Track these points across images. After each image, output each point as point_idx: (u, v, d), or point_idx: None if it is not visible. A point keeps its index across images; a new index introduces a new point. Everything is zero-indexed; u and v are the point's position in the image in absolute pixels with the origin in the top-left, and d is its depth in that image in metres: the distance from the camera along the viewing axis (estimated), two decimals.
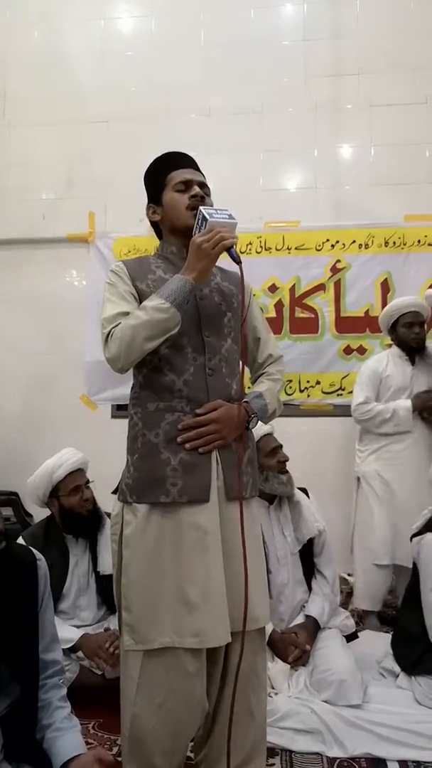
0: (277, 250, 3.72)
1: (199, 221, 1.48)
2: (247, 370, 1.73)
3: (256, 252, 3.69)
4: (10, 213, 3.94)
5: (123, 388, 3.67)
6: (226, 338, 1.58)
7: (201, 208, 1.49)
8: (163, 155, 1.69)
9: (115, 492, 1.61)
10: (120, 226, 3.84)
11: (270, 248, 3.71)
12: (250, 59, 3.79)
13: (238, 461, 1.50)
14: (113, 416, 3.81)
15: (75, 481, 2.41)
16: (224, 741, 1.53)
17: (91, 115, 3.90)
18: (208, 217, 1.45)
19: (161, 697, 1.45)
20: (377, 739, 1.92)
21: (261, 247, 3.70)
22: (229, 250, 1.45)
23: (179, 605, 1.44)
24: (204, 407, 1.51)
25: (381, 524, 2.94)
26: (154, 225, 1.72)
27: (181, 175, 1.61)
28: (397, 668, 2.24)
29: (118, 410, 3.79)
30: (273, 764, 1.83)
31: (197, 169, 1.67)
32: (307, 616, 2.37)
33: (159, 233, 1.72)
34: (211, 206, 1.57)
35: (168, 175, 1.63)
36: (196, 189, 1.59)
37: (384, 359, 3.11)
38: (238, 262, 1.47)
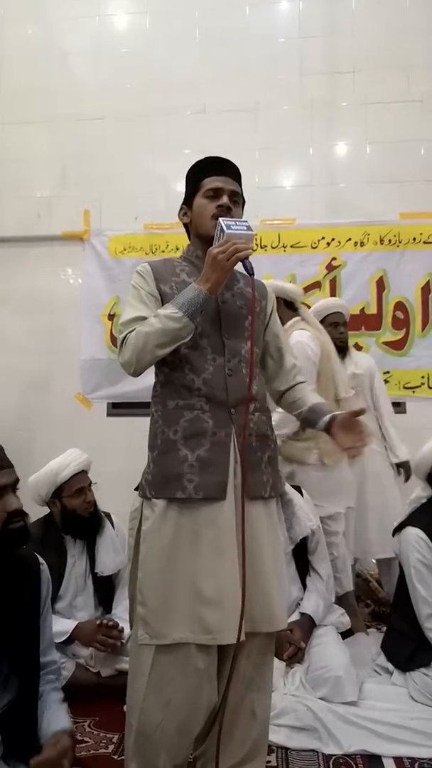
0: (272, 247, 3.72)
1: (218, 232, 1.52)
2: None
3: (252, 250, 3.69)
4: (4, 210, 3.92)
5: (119, 387, 3.67)
6: (246, 341, 1.60)
7: (220, 219, 1.51)
8: (204, 159, 1.68)
9: (137, 488, 1.63)
10: (115, 223, 3.83)
11: (266, 246, 3.71)
12: (245, 56, 3.78)
13: (242, 460, 1.51)
14: (109, 414, 3.80)
15: (79, 483, 2.42)
16: (225, 738, 1.55)
17: (86, 112, 3.88)
18: (225, 228, 1.48)
19: (170, 692, 1.46)
20: (373, 735, 1.93)
21: (256, 244, 3.69)
22: (243, 261, 1.49)
23: (193, 601, 1.45)
24: None
25: None
26: (185, 226, 1.73)
27: (213, 182, 1.61)
28: (391, 665, 2.25)
29: (114, 408, 3.79)
30: (269, 761, 1.82)
31: (235, 177, 1.66)
32: (302, 614, 2.37)
33: (189, 234, 1.73)
34: (240, 217, 1.61)
35: (202, 180, 1.63)
36: (224, 199, 1.60)
37: None
38: (251, 273, 1.51)
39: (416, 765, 1.84)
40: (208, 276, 1.49)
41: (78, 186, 3.88)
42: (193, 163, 1.70)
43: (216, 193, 1.61)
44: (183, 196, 1.70)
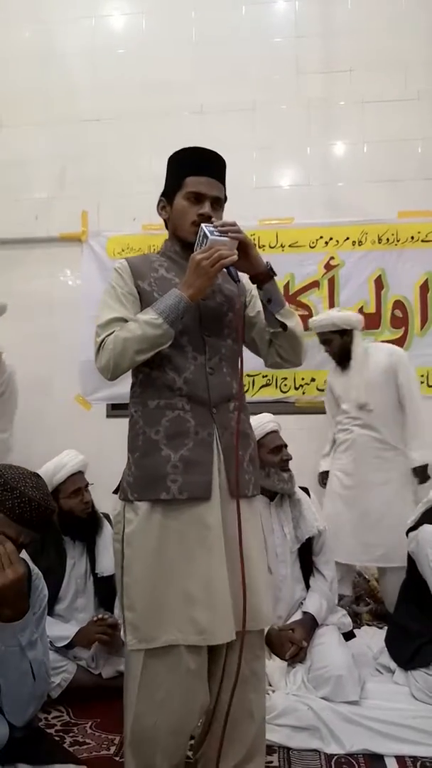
0: (270, 247, 3.72)
1: (200, 238, 1.48)
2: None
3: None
4: (2, 213, 3.92)
5: (118, 388, 3.64)
6: (226, 338, 1.58)
7: (203, 225, 1.47)
8: (189, 149, 1.59)
9: (116, 492, 1.61)
10: (113, 224, 3.83)
11: (263, 245, 3.71)
12: (241, 56, 3.78)
13: (236, 459, 1.50)
14: (108, 416, 3.80)
15: (76, 484, 2.42)
16: (225, 740, 1.54)
17: (82, 113, 3.88)
18: (208, 234, 1.45)
19: (162, 694, 1.46)
20: (375, 735, 1.93)
21: (254, 244, 3.69)
22: (228, 268, 1.45)
23: (182, 602, 1.44)
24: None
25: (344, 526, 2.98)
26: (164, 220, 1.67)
27: (197, 185, 1.55)
28: (393, 664, 2.25)
29: (113, 410, 3.78)
30: (271, 761, 1.83)
31: (219, 176, 1.59)
32: (305, 613, 2.37)
33: (168, 227, 1.68)
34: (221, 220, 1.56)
35: (185, 178, 1.56)
36: (206, 207, 1.54)
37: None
38: (236, 280, 1.49)
39: (418, 764, 1.84)
40: (191, 282, 1.45)
41: (76, 187, 3.88)
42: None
43: (198, 199, 1.55)
44: None
